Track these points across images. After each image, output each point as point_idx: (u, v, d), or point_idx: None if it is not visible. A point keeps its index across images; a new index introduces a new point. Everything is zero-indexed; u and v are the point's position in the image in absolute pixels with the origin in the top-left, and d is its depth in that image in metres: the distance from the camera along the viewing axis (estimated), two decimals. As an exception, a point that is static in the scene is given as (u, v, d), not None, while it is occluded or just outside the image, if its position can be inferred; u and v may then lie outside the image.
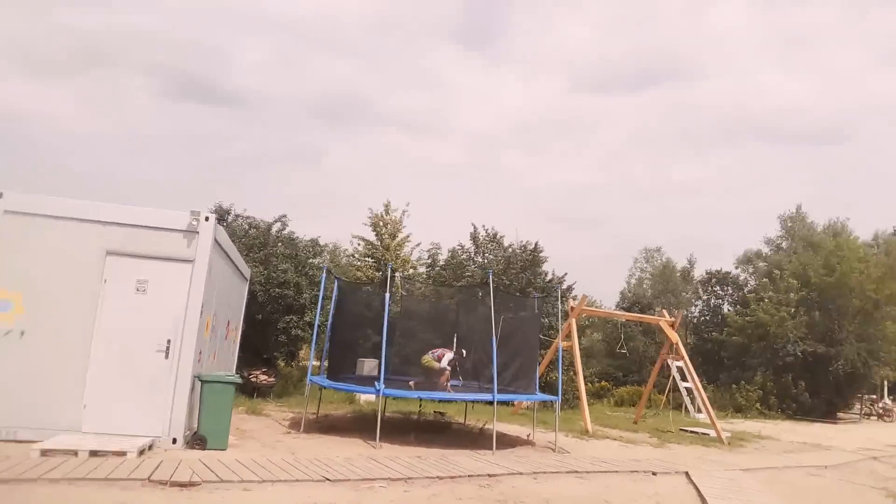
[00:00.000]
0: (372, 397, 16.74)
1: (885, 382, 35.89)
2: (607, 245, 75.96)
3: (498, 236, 24.39)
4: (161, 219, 8.86)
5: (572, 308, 17.37)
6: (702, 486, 9.85)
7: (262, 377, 16.05)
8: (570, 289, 24.18)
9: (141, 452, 7.80)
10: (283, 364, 19.09)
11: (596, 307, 31.07)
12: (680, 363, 23.01)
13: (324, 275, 12.81)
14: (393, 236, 22.99)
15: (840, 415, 30.96)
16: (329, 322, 12.64)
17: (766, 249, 44.68)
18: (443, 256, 25.51)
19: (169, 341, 8.66)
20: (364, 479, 7.99)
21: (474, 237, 24.39)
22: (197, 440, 8.75)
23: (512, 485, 8.73)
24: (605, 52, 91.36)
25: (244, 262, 13.30)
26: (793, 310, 30.44)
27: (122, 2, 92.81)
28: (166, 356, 8.64)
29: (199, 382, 8.96)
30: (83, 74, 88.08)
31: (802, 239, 40.73)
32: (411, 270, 22.78)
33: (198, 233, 8.87)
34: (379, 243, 22.88)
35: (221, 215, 8.83)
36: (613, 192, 79.52)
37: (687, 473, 10.87)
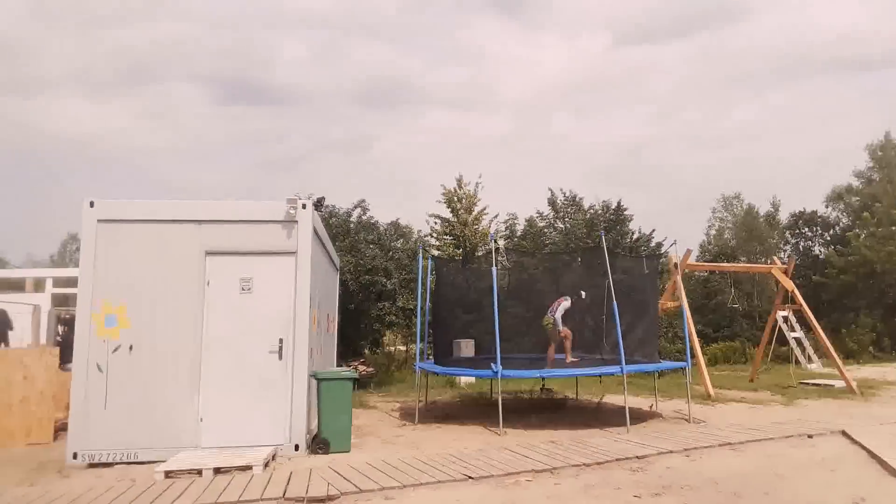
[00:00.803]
0: (472, 379, 16.15)
1: None
2: (676, 197, 73.17)
3: (577, 198, 23.24)
4: (258, 211, 8.26)
5: (676, 265, 16.17)
6: (868, 444, 8.76)
7: (362, 368, 15.59)
8: (659, 245, 22.88)
9: (266, 464, 7.28)
10: (368, 352, 18.66)
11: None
12: (785, 313, 21.59)
13: (419, 255, 12.08)
14: (469, 210, 22.14)
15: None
16: (429, 304, 11.92)
17: (856, 182, 41.69)
18: (520, 227, 24.59)
19: (281, 340, 8.10)
20: (507, 474, 7.25)
21: (552, 202, 23.32)
22: (319, 444, 8.20)
23: (666, 466, 7.85)
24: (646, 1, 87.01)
25: (334, 251, 12.74)
26: (900, 243, 28.27)
27: (162, 11, 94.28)
28: (280, 357, 8.09)
29: (315, 381, 8.39)
30: (135, 90, 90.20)
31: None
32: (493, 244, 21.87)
33: (297, 221, 8.25)
34: (455, 219, 22.08)
35: (318, 202, 8.18)
36: (671, 144, 76.20)
37: (844, 432, 9.78)
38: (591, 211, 22.92)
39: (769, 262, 23.16)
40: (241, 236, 8.18)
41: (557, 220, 23.10)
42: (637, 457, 8.14)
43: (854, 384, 15.93)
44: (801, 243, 39.36)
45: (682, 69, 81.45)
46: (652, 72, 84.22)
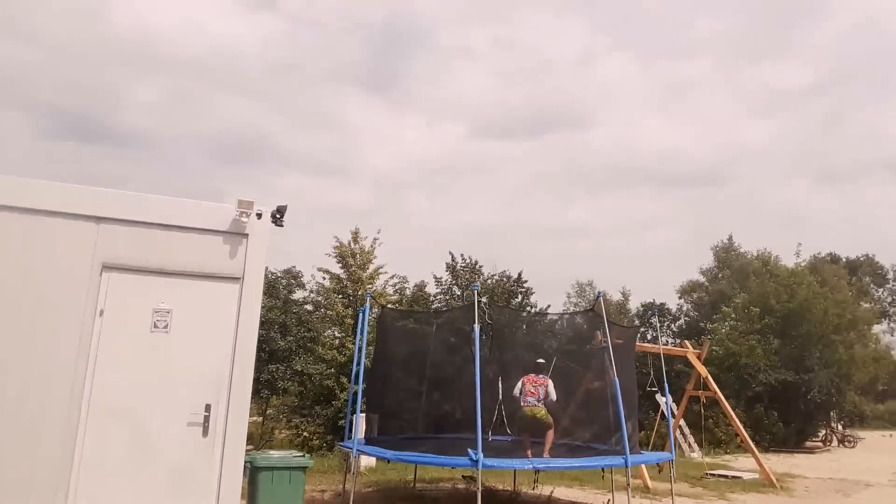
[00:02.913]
0: (372, 461, 13.56)
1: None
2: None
3: (478, 265, 21.84)
4: (192, 213, 5.64)
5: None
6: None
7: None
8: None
9: None
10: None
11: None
12: (665, 398, 21.31)
13: (367, 304, 9.65)
14: (364, 268, 19.82)
15: (806, 443, 30.28)
16: (367, 367, 9.46)
17: (702, 279, 44.65)
18: (407, 291, 22.63)
19: (208, 408, 5.38)
20: None
21: (452, 267, 21.69)
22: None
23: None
24: (504, 100, 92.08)
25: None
26: (759, 338, 29.68)
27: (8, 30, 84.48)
28: (205, 432, 5.35)
29: (252, 469, 5.70)
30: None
31: (738, 269, 40.68)
32: (388, 306, 19.63)
33: (247, 235, 5.73)
34: (347, 277, 19.62)
35: (278, 213, 5.74)
36: (515, 233, 78.88)
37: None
38: (493, 280, 21.58)
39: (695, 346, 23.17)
40: (160, 248, 5.49)
41: (454, 286, 21.44)
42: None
43: (773, 477, 15.40)
44: (650, 333, 40.97)
45: (531, 164, 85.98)
46: (503, 163, 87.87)
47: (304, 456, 6.09)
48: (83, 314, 5.18)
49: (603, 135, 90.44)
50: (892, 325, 46.16)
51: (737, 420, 16.53)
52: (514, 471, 11.58)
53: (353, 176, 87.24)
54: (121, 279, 5.34)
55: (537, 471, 9.03)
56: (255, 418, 20.19)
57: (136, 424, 5.15)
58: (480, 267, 22.02)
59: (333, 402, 16.37)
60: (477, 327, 8.00)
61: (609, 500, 10.99)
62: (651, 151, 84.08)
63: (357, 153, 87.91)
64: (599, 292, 9.25)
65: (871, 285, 48.07)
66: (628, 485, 8.13)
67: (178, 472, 5.18)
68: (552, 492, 10.91)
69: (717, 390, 16.89)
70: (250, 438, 15.66)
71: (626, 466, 8.03)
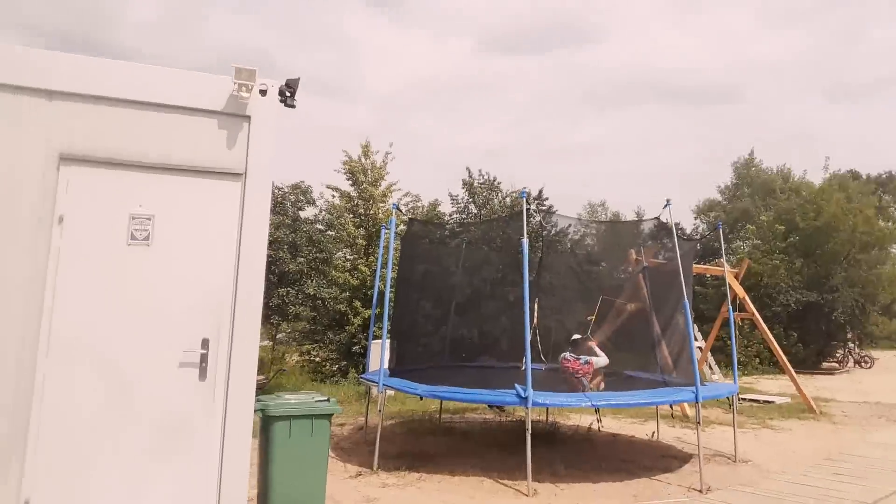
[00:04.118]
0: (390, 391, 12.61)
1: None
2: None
3: (496, 182, 20.42)
4: (174, 87, 4.25)
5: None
6: None
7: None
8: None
9: None
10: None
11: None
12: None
13: (393, 217, 8.32)
14: (376, 184, 18.38)
15: (823, 364, 29.71)
16: (394, 289, 8.26)
17: (720, 198, 43.10)
18: (421, 210, 21.29)
19: (206, 343, 4.17)
20: None
21: (469, 184, 20.28)
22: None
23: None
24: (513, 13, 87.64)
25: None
26: (784, 257, 28.57)
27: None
28: (202, 374, 4.16)
29: (262, 420, 4.56)
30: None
31: (761, 186, 39.11)
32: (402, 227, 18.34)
33: (248, 117, 4.37)
34: (358, 195, 18.19)
35: (287, 89, 4.45)
36: (522, 152, 76.70)
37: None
38: (511, 196, 20.19)
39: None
40: (136, 133, 4.14)
41: (471, 204, 20.09)
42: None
43: (812, 403, 14.60)
44: (663, 254, 39.85)
45: (540, 82, 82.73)
46: (511, 81, 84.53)
47: (328, 400, 4.93)
48: (36, 222, 3.89)
49: (614, 50, 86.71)
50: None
51: (775, 343, 15.62)
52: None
53: (355, 95, 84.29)
54: (85, 175, 4.02)
55: (597, 409, 8.00)
56: (264, 342, 19.34)
57: (113, 367, 3.94)
58: (499, 184, 20.63)
59: (347, 328, 15.37)
60: (525, 241, 6.72)
61: (654, 431, 10.06)
62: (662, 67, 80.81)
63: (358, 71, 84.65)
64: (668, 202, 7.91)
65: (893, 204, 46.56)
66: (698, 423, 7.05)
67: (169, 427, 4.02)
68: (591, 424, 9.94)
69: (755, 311, 15.92)
70: (260, 366, 14.75)
71: (697, 402, 6.93)
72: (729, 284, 16.48)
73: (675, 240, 7.95)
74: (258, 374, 12.15)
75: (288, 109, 4.59)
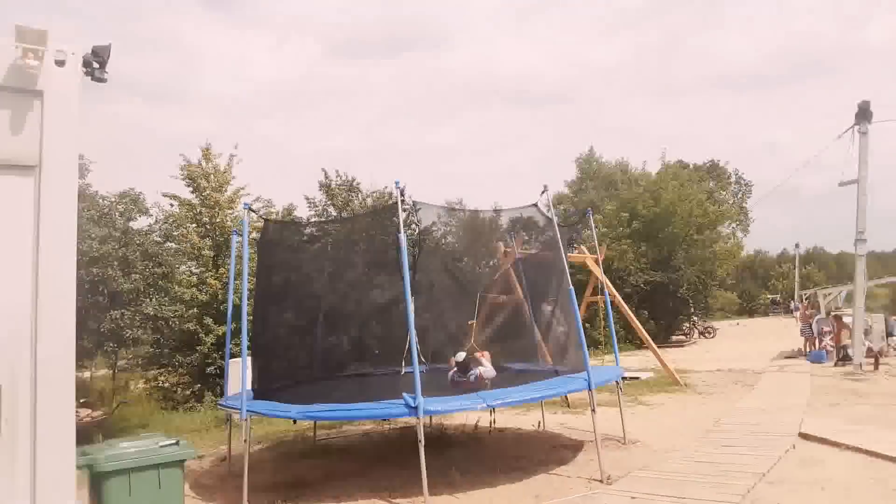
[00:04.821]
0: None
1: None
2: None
3: (355, 182, 19.63)
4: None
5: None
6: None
7: (84, 412, 9.84)
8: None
9: None
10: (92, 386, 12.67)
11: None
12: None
13: (245, 219, 7.27)
14: (220, 190, 16.87)
15: (672, 338, 31.93)
16: (251, 302, 7.25)
17: (568, 191, 45.09)
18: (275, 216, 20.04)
19: (-4, 387, 3.12)
20: None
21: (326, 185, 19.31)
22: None
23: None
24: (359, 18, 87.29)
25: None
26: (630, 242, 30.35)
27: None
28: (-7, 429, 3.10)
29: (94, 476, 3.56)
30: None
31: (604, 178, 41.39)
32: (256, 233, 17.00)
33: (41, 93, 3.36)
34: (200, 202, 16.58)
35: (95, 57, 3.49)
36: (378, 155, 76.72)
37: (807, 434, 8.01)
38: (372, 197, 19.48)
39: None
40: None
41: (331, 207, 19.13)
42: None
43: (677, 376, 15.39)
44: (536, 243, 41.10)
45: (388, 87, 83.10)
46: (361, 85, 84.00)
47: (177, 443, 3.97)
48: None
49: (460, 56, 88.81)
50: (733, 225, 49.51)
51: (637, 321, 16.32)
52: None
53: (192, 102, 79.48)
54: None
55: (493, 410, 7.54)
56: (102, 371, 17.17)
57: None
58: (358, 184, 19.84)
59: (198, 348, 13.92)
60: (403, 235, 6.10)
61: (540, 421, 9.83)
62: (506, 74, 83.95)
63: (197, 77, 79.88)
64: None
65: (717, 189, 51.30)
66: (594, 410, 6.81)
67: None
68: (477, 421, 9.51)
69: (616, 294, 16.50)
70: (100, 399, 12.92)
71: (591, 389, 6.68)
72: (590, 270, 17.17)
73: (556, 227, 7.70)
74: (96, 410, 10.53)
75: (97, 84, 3.66)
